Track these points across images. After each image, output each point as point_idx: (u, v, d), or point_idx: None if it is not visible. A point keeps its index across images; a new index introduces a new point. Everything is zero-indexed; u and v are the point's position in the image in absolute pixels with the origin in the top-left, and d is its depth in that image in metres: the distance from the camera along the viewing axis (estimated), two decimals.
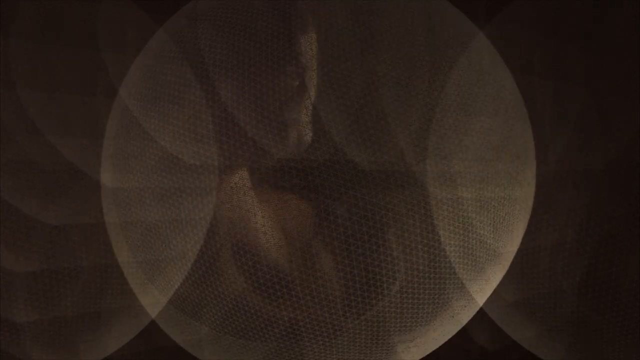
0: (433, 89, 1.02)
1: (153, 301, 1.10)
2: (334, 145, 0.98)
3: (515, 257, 1.15)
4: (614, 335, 1.20)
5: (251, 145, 0.99)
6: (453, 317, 1.09)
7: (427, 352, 1.14)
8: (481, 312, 1.15)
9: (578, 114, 1.21)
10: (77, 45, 1.17)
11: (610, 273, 1.19)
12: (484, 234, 1.06)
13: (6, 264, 1.13)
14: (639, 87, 1.19)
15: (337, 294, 1.00)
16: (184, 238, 1.01)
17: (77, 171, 1.15)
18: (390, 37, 1.02)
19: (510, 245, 1.13)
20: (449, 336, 1.15)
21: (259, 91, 0.99)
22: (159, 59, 1.05)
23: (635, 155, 1.18)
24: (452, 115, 1.03)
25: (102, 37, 1.18)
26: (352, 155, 0.98)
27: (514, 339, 1.27)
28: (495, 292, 1.14)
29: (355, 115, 0.99)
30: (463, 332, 1.15)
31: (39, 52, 1.15)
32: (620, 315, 1.20)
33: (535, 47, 1.23)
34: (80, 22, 1.18)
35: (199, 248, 1.01)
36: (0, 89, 1.12)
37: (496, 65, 1.12)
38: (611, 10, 1.21)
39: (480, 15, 1.17)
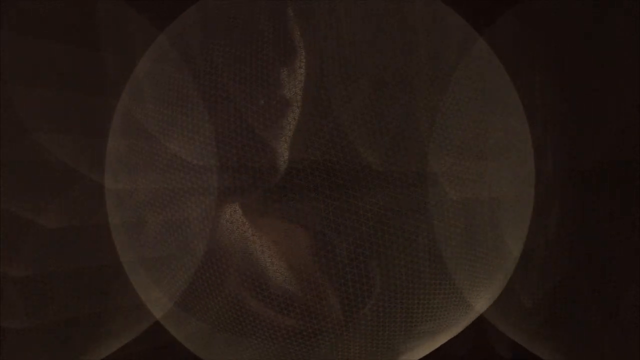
0: (434, 93, 1.03)
1: (156, 301, 1.10)
2: (335, 146, 0.98)
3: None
4: (613, 334, 1.20)
5: (251, 148, 0.99)
6: (452, 318, 1.10)
7: (426, 353, 1.14)
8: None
9: (577, 115, 1.21)
10: (79, 45, 1.17)
11: (610, 271, 1.19)
12: (485, 237, 1.06)
13: (5, 267, 1.14)
14: (638, 87, 1.19)
15: (334, 303, 1.01)
16: (187, 237, 1.02)
17: (76, 172, 1.16)
18: (389, 40, 1.03)
19: (514, 249, 1.13)
20: (450, 336, 1.15)
21: (249, 109, 0.99)
22: (161, 63, 1.06)
23: (635, 154, 1.18)
24: (452, 118, 1.03)
25: (105, 39, 1.18)
26: (352, 156, 0.98)
27: (513, 338, 1.27)
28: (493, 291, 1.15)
29: (355, 117, 0.99)
30: (461, 332, 1.16)
31: (39, 51, 1.16)
32: (618, 315, 1.20)
33: (535, 50, 1.24)
34: (83, 23, 1.18)
35: (203, 247, 1.01)
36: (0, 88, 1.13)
37: (496, 69, 1.13)
38: (611, 10, 1.21)
39: (480, 20, 1.17)
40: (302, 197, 0.98)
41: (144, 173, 1.03)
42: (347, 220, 0.98)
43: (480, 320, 1.19)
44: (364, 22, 1.03)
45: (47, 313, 1.16)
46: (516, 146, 1.12)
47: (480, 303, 1.12)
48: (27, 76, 1.15)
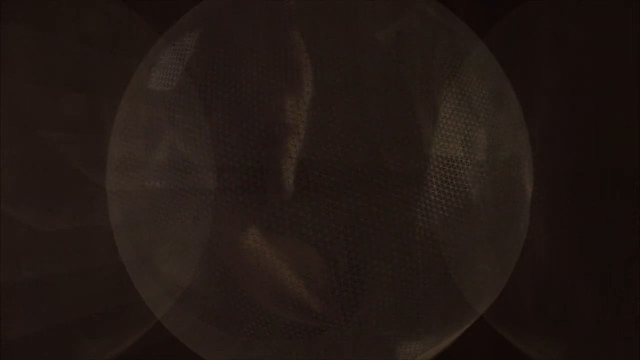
0: (433, 96, 1.03)
1: (157, 300, 1.11)
2: (334, 147, 0.99)
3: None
4: (613, 335, 1.20)
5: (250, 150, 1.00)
6: (452, 319, 1.10)
7: (426, 355, 1.14)
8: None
9: (577, 118, 1.22)
10: (80, 47, 1.18)
11: (610, 271, 1.19)
12: (484, 237, 1.06)
13: (6, 268, 1.14)
14: (639, 88, 1.19)
15: (334, 303, 1.01)
16: (187, 237, 1.02)
17: (77, 172, 1.16)
18: (389, 43, 1.03)
19: (513, 249, 1.13)
20: (450, 338, 1.15)
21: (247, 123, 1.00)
22: (161, 66, 1.06)
23: (635, 155, 1.19)
24: (452, 120, 1.03)
25: (106, 42, 1.19)
26: (352, 157, 0.99)
27: (509, 339, 1.27)
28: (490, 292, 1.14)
29: (356, 119, 1.00)
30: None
31: (40, 53, 1.16)
32: (619, 315, 1.20)
33: (535, 53, 1.24)
34: (84, 25, 1.19)
35: (203, 247, 1.01)
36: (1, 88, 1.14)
37: (495, 73, 1.13)
38: (611, 12, 1.21)
39: (480, 22, 1.17)
40: (302, 197, 0.98)
41: (145, 173, 1.04)
42: (347, 220, 0.98)
43: (480, 321, 1.18)
44: (363, 26, 1.04)
45: (48, 314, 1.16)
46: (515, 148, 1.12)
47: (480, 304, 1.12)
48: (27, 77, 1.16)
